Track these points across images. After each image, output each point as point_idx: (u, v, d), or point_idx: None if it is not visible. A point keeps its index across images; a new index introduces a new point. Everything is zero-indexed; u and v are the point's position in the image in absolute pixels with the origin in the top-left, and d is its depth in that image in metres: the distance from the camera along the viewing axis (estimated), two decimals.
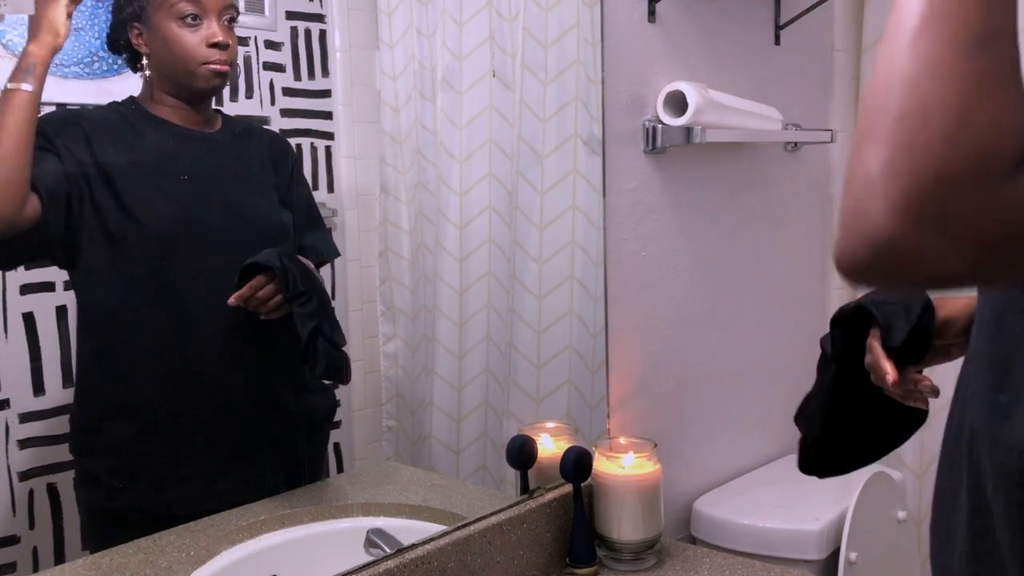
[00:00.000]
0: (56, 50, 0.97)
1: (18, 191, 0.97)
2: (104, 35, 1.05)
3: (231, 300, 1.10)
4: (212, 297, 1.12)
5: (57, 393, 1.03)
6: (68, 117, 1.04)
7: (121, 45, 1.08)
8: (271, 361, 1.20)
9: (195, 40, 1.09)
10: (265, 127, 1.22)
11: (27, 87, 0.95)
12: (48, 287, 1.02)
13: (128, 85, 1.08)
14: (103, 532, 1.08)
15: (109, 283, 1.07)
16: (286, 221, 1.21)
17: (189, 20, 1.09)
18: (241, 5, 1.16)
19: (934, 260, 0.50)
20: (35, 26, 0.96)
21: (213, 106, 1.16)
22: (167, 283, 1.09)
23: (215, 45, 1.10)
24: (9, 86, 0.95)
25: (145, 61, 1.09)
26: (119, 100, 1.08)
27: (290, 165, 1.24)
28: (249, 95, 1.19)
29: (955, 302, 0.97)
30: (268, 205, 1.20)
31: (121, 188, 1.06)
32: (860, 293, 2.30)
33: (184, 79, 1.11)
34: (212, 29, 1.10)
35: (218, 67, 1.11)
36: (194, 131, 1.14)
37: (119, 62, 1.07)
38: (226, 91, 1.16)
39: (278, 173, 1.22)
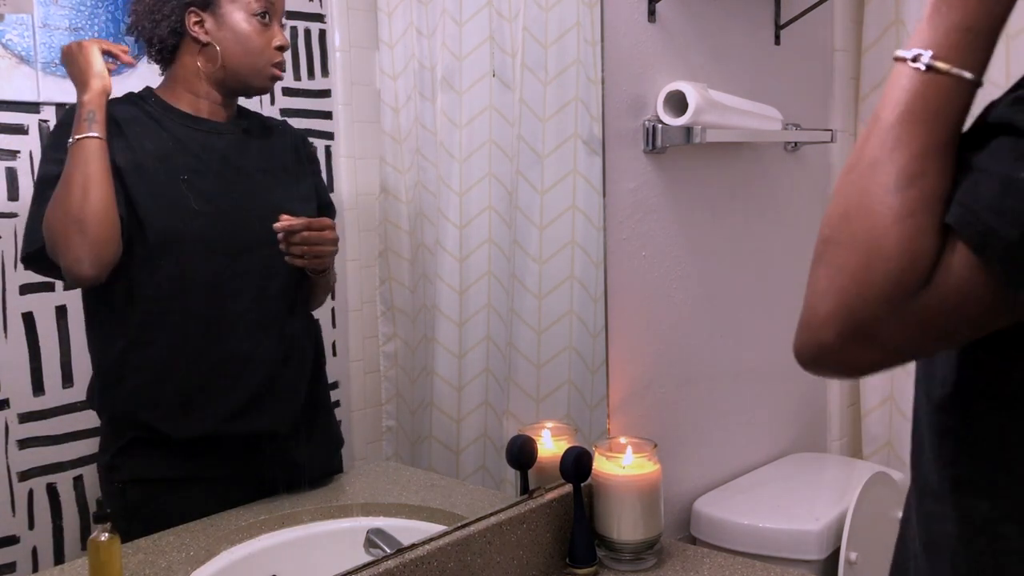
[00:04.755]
0: (107, 94, 0.99)
1: (116, 233, 1.00)
2: (103, 35, 1.05)
3: (279, 224, 1.09)
4: (234, 292, 1.12)
5: (57, 393, 1.03)
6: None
7: (161, 31, 1.06)
8: (286, 355, 1.20)
9: (265, 40, 1.08)
10: (285, 123, 1.21)
11: (95, 134, 0.98)
12: (48, 287, 1.02)
13: (128, 85, 1.08)
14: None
15: (137, 279, 1.07)
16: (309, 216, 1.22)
17: (261, 18, 1.07)
18: None
19: (862, 361, 0.63)
20: (81, 77, 0.98)
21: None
22: (190, 279, 1.09)
23: (280, 48, 1.09)
24: (78, 137, 0.97)
25: (201, 49, 1.07)
26: (136, 91, 1.07)
27: (315, 161, 1.24)
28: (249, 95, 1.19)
29: None
30: (293, 199, 1.20)
31: (150, 183, 1.06)
32: None
33: (248, 76, 1.09)
34: (277, 30, 1.08)
35: (279, 72, 1.10)
36: (222, 124, 1.13)
37: (118, 62, 1.07)
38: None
39: (302, 168, 1.22)
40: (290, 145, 1.21)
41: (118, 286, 1.05)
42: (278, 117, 1.21)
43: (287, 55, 1.21)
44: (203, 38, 1.07)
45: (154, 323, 1.10)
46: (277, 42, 1.09)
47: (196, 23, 1.06)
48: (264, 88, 1.12)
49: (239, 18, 1.07)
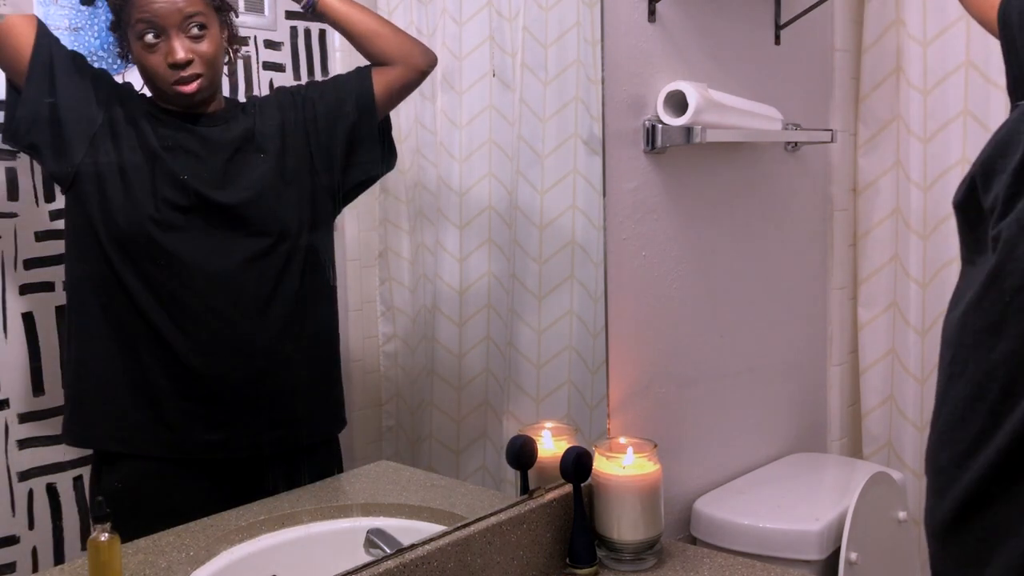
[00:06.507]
0: None
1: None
2: (103, 35, 1.05)
3: None
4: (212, 290, 1.13)
5: (57, 393, 1.03)
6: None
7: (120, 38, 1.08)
8: (274, 352, 1.20)
9: (157, 60, 1.08)
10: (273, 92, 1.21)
11: None
12: (48, 287, 1.02)
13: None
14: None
15: (103, 270, 1.07)
16: (291, 194, 1.22)
17: (150, 39, 1.07)
18: (241, 5, 1.16)
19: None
20: None
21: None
22: (166, 273, 1.10)
23: (174, 65, 1.08)
24: None
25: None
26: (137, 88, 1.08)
27: (310, 99, 1.23)
28: (248, 94, 1.19)
29: None
30: (277, 180, 1.20)
31: (130, 178, 1.06)
32: (859, 306, 2.32)
33: (160, 97, 1.10)
34: (171, 46, 1.08)
35: (182, 88, 1.09)
36: (200, 116, 1.14)
37: (119, 62, 1.07)
38: (225, 90, 1.16)
39: (286, 136, 1.21)
40: (276, 119, 1.20)
41: (108, 283, 1.06)
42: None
43: (286, 55, 1.21)
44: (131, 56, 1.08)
45: (152, 320, 1.10)
46: (169, 59, 1.08)
47: (124, 42, 1.07)
48: (184, 105, 1.11)
49: (134, 43, 1.07)
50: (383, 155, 1.31)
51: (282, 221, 1.20)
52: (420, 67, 1.29)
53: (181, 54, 1.08)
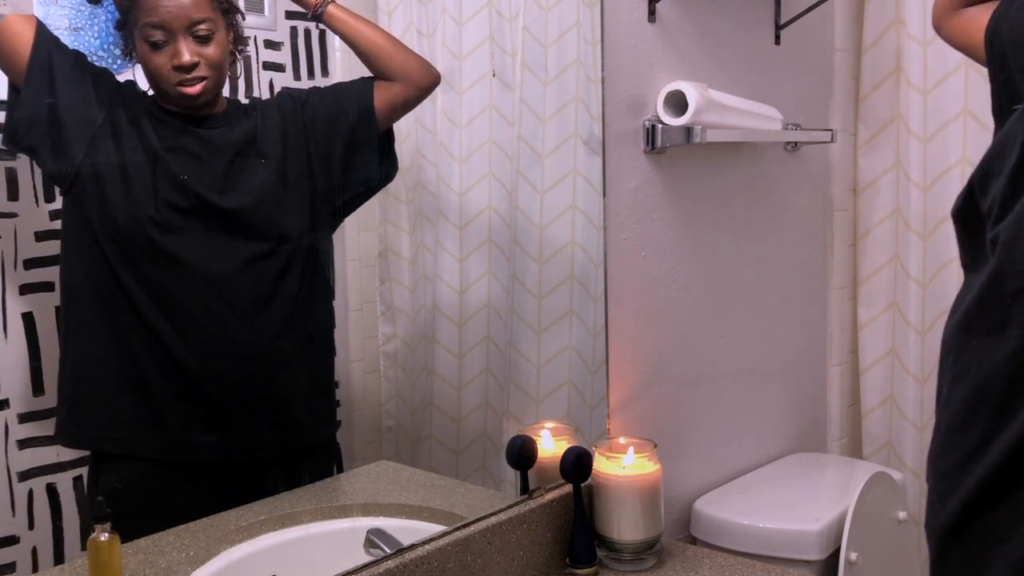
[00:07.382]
0: None
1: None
2: (103, 35, 1.05)
3: None
4: (211, 292, 1.13)
5: (56, 393, 1.03)
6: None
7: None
8: (271, 354, 1.20)
9: (162, 61, 1.08)
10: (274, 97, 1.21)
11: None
12: (48, 287, 1.02)
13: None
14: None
15: (101, 270, 1.07)
16: (292, 199, 1.22)
17: (156, 41, 1.07)
18: (241, 5, 1.16)
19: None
20: None
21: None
22: (164, 275, 1.10)
23: (179, 67, 1.09)
24: None
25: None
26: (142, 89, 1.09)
27: (309, 105, 1.23)
28: (249, 95, 1.19)
29: None
30: (277, 185, 1.20)
31: (131, 178, 1.06)
32: (859, 306, 2.32)
33: (162, 98, 1.10)
34: (177, 48, 1.08)
35: (186, 89, 1.10)
36: (202, 119, 1.14)
37: (119, 61, 1.07)
38: (226, 90, 1.16)
39: (287, 140, 1.22)
40: (278, 123, 1.20)
41: (106, 288, 1.06)
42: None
43: (286, 54, 1.21)
44: (135, 55, 1.08)
45: (150, 321, 1.10)
46: (174, 61, 1.09)
47: (130, 42, 1.07)
48: (186, 106, 1.12)
49: (140, 44, 1.08)
50: (382, 165, 1.31)
51: (282, 226, 1.20)
52: (421, 85, 1.30)
53: (187, 57, 1.08)
